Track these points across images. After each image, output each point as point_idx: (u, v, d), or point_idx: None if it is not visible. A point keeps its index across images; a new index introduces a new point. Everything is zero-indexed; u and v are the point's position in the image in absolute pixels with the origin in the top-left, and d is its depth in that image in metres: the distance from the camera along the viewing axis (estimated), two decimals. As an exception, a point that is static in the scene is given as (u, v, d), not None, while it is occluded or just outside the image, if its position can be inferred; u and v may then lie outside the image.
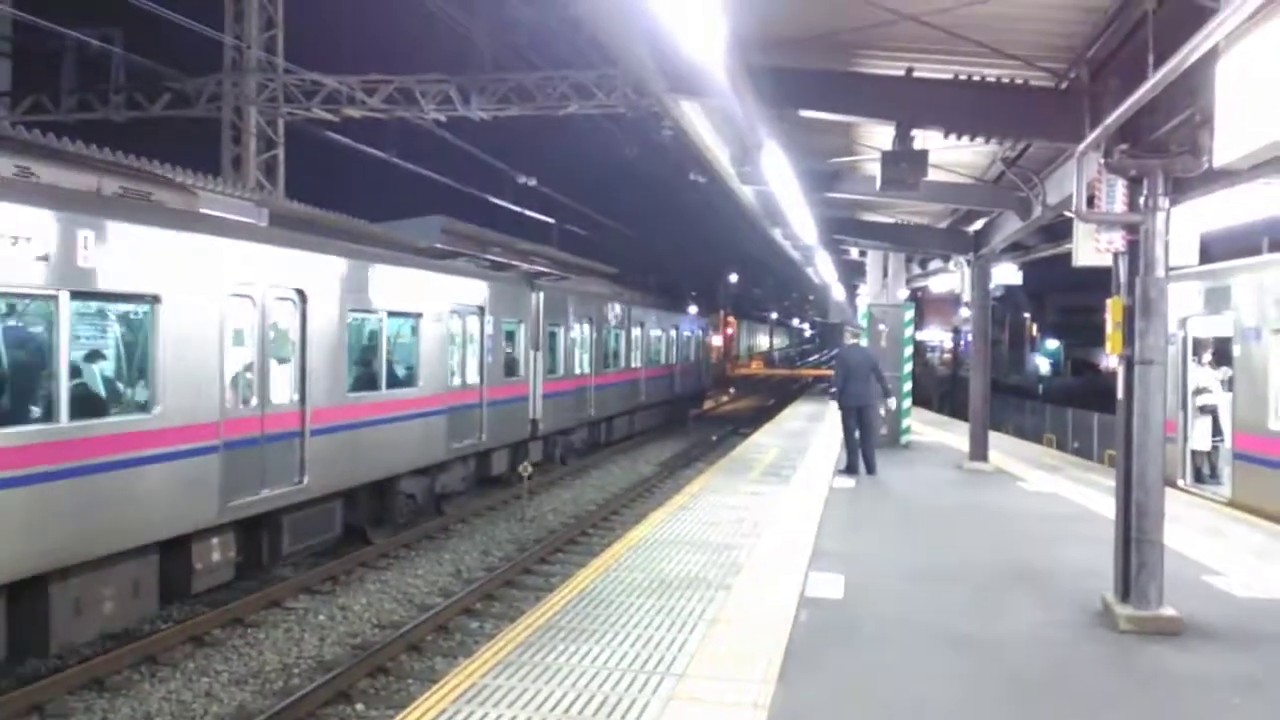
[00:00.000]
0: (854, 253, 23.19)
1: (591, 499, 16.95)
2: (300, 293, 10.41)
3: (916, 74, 7.53)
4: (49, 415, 7.34)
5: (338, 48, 27.50)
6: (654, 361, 27.59)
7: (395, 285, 12.51)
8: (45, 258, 7.26)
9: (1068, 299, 60.58)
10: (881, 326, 16.74)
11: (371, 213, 17.51)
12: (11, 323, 7.50)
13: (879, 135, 9.79)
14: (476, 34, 18.78)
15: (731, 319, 61.69)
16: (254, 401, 9.71)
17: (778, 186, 10.47)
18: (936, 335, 39.51)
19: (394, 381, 12.62)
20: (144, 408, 8.32)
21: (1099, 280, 7.03)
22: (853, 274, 27.16)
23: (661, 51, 7.02)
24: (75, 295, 7.56)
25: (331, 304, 11.02)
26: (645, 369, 26.44)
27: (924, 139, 8.10)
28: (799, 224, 13.91)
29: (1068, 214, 7.63)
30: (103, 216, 7.88)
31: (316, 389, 10.61)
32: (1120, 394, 6.51)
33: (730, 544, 8.63)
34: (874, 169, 9.20)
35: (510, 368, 16.73)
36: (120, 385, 8.42)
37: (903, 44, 7.29)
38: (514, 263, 19.03)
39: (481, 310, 15.22)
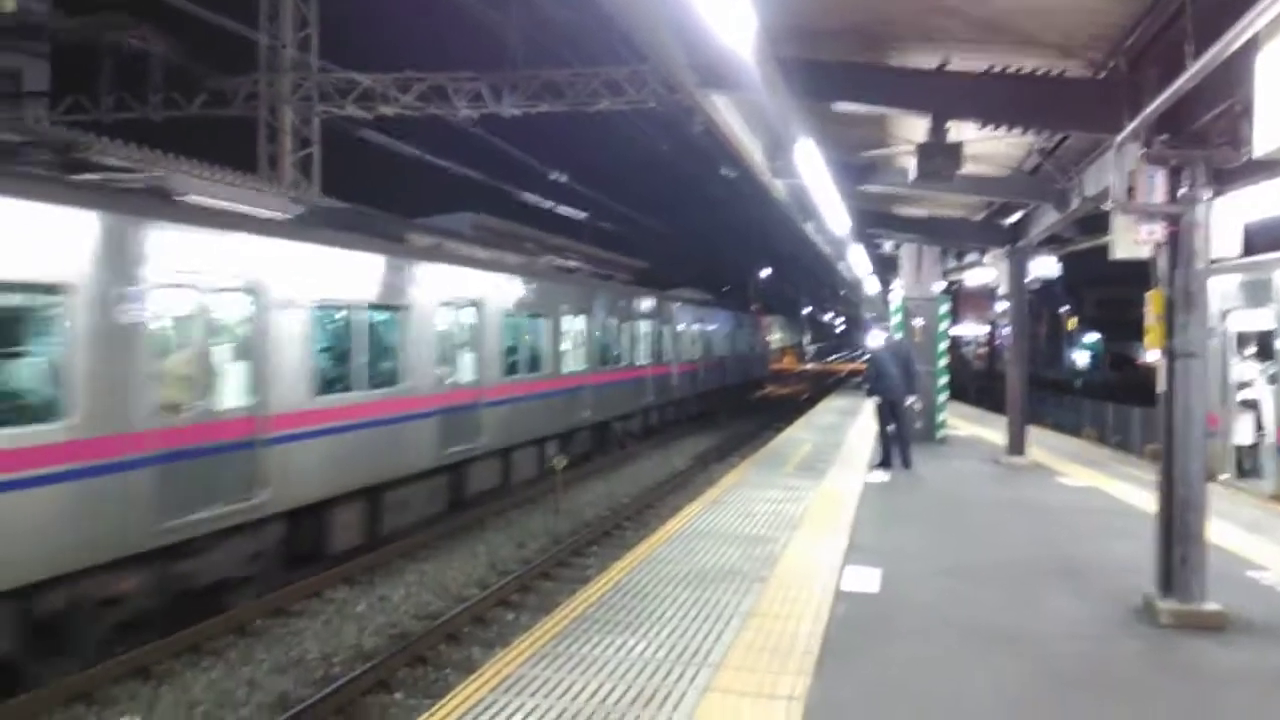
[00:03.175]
0: (887, 247, 23.05)
1: (625, 492, 17.00)
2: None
3: (951, 65, 7.46)
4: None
5: (371, 46, 27.67)
6: (734, 351, 35.66)
7: (589, 300, 18.97)
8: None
9: (1105, 292, 59.63)
10: (916, 321, 16.60)
11: (403, 209, 17.73)
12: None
13: (913, 127, 9.70)
14: (508, 31, 18.88)
15: (765, 314, 61.34)
16: (450, 380, 13.18)
17: (810, 180, 10.42)
18: (972, 329, 39.12)
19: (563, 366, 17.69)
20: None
21: (1137, 273, 6.94)
22: (885, 268, 26.99)
23: (691, 45, 7.01)
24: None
25: (574, 321, 17.50)
26: (729, 356, 34.51)
27: (958, 131, 8.04)
28: (832, 217, 13.84)
29: (1106, 206, 7.53)
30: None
31: (488, 371, 14.53)
32: (1161, 388, 6.44)
33: (766, 537, 8.64)
34: (908, 162, 9.15)
35: (659, 355, 24.69)
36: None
37: (936, 35, 7.23)
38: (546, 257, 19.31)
39: (645, 315, 23.04)
